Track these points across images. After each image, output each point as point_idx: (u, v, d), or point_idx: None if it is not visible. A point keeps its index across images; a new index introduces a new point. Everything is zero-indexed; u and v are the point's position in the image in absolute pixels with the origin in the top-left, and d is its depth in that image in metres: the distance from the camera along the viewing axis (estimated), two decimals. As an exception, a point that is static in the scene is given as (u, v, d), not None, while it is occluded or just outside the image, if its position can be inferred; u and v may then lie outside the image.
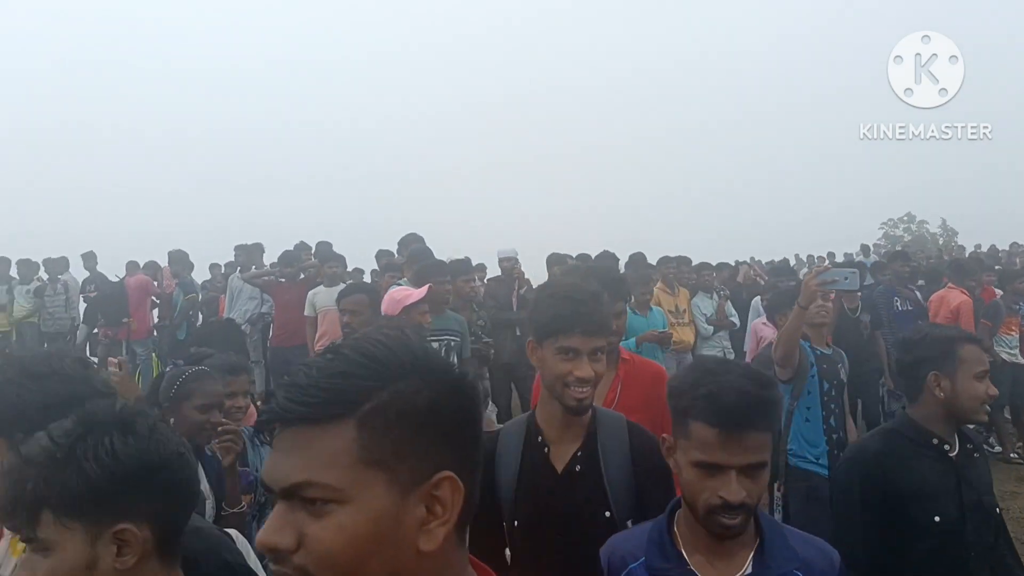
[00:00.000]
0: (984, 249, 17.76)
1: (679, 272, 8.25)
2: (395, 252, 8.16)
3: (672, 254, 8.48)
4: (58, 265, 11.33)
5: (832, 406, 3.92)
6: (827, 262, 16.22)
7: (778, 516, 4.29)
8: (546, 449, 2.01)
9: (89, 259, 11.39)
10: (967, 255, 14.62)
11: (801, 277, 5.71)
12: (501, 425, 2.64)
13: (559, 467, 1.99)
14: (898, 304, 7.79)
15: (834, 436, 3.89)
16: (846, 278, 3.62)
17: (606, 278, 3.04)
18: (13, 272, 11.41)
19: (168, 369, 2.84)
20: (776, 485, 4.20)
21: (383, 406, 0.84)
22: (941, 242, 30.57)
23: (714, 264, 9.49)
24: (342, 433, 0.83)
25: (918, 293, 8.26)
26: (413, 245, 7.14)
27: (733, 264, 11.61)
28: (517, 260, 8.78)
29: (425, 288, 4.68)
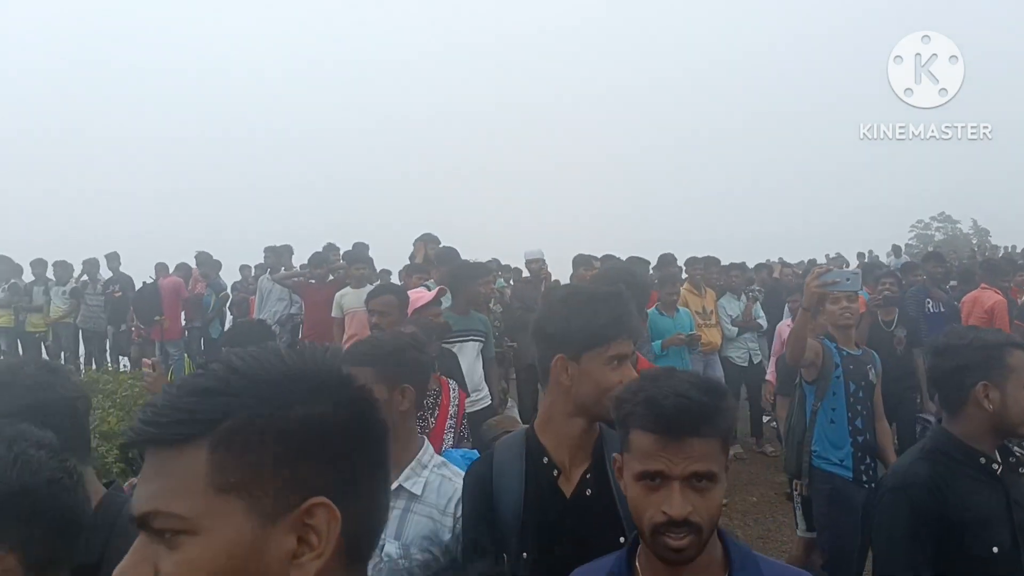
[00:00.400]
0: (1019, 250, 17.43)
1: (707, 273, 8.21)
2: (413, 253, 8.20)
3: (699, 255, 8.45)
4: (93, 265, 11.58)
5: (859, 408, 3.89)
6: (849, 264, 16.03)
7: (798, 513, 4.34)
8: (555, 472, 1.83)
9: (113, 260, 11.57)
10: (1000, 255, 14.37)
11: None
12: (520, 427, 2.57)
13: (567, 491, 1.82)
14: (930, 306, 7.69)
15: (859, 438, 3.86)
16: (848, 279, 3.63)
17: (626, 282, 2.97)
18: (49, 273, 11.66)
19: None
20: (794, 484, 4.22)
21: (242, 425, 0.76)
22: (975, 242, 30.12)
23: (751, 266, 9.43)
24: (194, 456, 0.75)
25: (951, 294, 8.14)
26: (429, 245, 7.21)
27: (768, 262, 11.52)
28: (544, 261, 8.80)
29: (436, 290, 4.77)
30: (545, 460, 1.83)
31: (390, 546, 2.03)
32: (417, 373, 2.22)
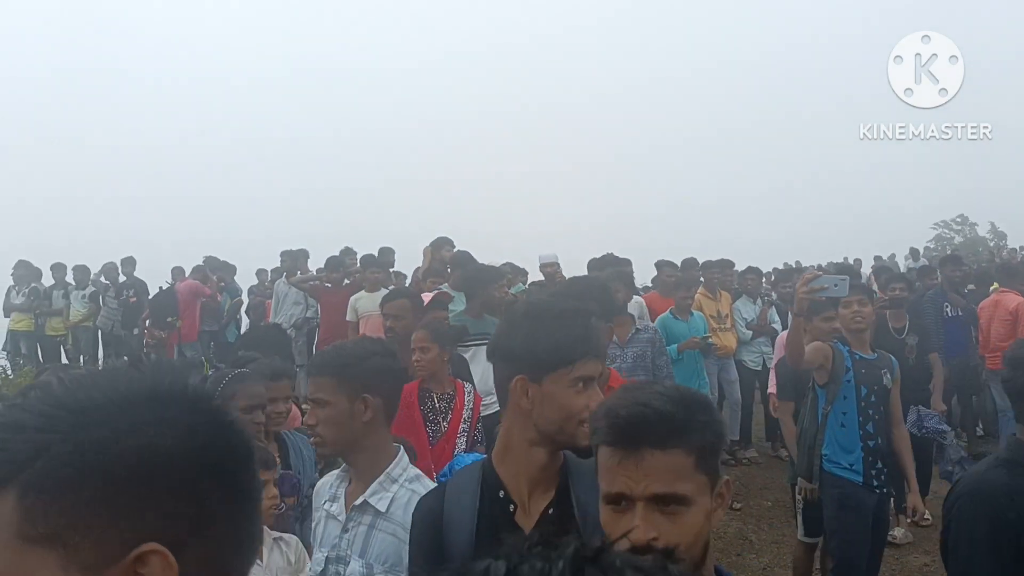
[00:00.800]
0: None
1: (722, 276, 8.19)
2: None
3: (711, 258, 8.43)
4: (112, 270, 11.70)
5: (870, 412, 3.88)
6: (860, 266, 15.90)
7: (799, 518, 4.38)
8: (512, 507, 1.63)
9: (128, 264, 11.61)
10: (1020, 258, 14.23)
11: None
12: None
13: (526, 528, 1.61)
14: (948, 310, 7.61)
15: (870, 443, 3.85)
16: (836, 285, 3.69)
17: (596, 297, 2.79)
18: (69, 277, 11.78)
19: (211, 372, 2.91)
20: (798, 489, 4.23)
21: (59, 464, 0.66)
22: (992, 244, 29.86)
23: (768, 270, 9.39)
24: (1, 503, 0.66)
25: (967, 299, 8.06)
26: (445, 248, 7.24)
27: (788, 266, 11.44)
28: (559, 265, 8.80)
29: (433, 294, 4.92)
30: (501, 493, 1.64)
31: (355, 563, 1.96)
32: (383, 382, 2.08)
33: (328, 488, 2.14)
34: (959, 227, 35.07)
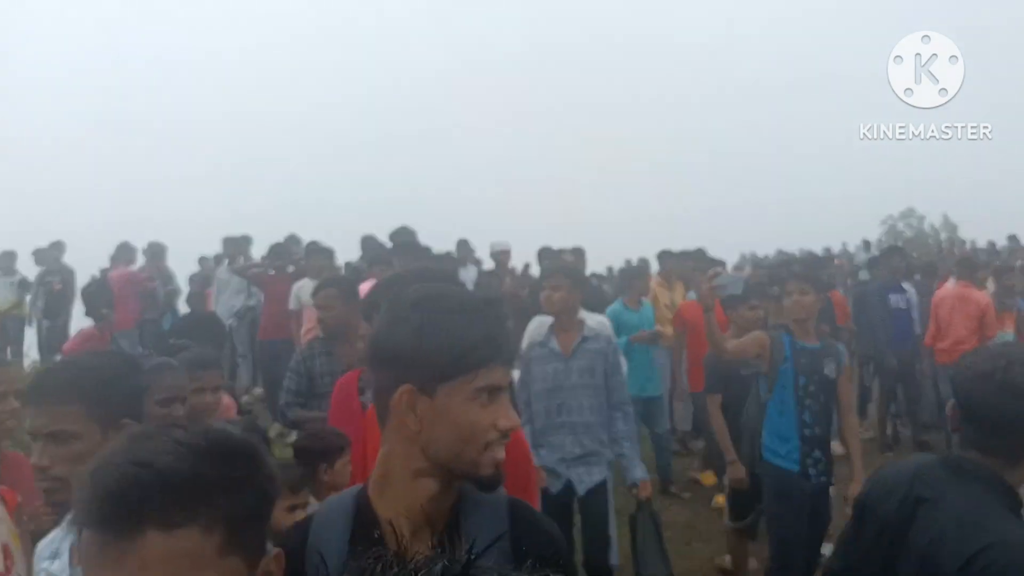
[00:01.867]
0: (981, 245, 17.64)
1: (679, 267, 8.17)
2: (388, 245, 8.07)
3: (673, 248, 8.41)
4: (44, 256, 11.18)
5: (807, 401, 3.89)
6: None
7: (727, 505, 4.50)
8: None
9: (56, 249, 10.95)
10: (969, 250, 14.60)
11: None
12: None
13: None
14: (892, 301, 7.71)
15: (806, 432, 3.87)
16: (732, 282, 4.24)
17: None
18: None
19: None
20: (724, 478, 4.33)
21: None
22: (943, 236, 30.61)
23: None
24: None
25: (913, 289, 8.17)
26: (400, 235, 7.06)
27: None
28: (510, 253, 8.74)
29: (369, 283, 4.69)
30: (376, 534, 1.30)
31: None
32: (136, 401, 1.80)
33: (48, 546, 1.72)
34: (907, 220, 35.87)
